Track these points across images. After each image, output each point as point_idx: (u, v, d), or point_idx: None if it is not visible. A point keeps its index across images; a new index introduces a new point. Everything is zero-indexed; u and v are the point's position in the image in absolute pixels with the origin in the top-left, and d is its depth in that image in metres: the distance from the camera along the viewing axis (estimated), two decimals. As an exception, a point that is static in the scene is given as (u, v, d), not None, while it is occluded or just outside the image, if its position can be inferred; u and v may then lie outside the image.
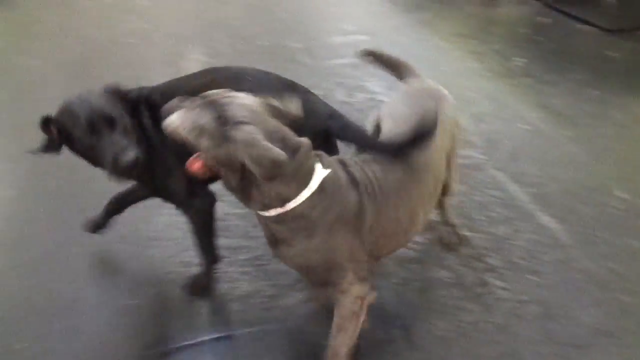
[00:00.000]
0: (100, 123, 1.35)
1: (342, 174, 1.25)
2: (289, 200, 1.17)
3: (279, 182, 1.13)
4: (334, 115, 1.52)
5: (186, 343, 1.51)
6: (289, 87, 1.56)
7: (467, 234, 1.86)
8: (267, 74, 1.60)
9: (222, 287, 1.68)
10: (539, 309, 1.59)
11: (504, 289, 1.66)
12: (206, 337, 1.52)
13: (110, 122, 1.37)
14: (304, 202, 1.17)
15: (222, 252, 1.66)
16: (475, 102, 2.74)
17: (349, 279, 1.28)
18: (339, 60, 3.24)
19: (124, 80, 2.61)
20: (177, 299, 1.64)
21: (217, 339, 1.52)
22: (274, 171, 1.07)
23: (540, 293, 1.64)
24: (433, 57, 3.29)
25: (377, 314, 1.51)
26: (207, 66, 1.86)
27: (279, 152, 1.06)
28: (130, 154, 1.34)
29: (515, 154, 2.32)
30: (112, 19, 4.01)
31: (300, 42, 3.52)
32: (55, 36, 3.72)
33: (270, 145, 1.07)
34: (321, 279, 1.32)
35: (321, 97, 2.50)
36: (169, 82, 1.64)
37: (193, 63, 3.23)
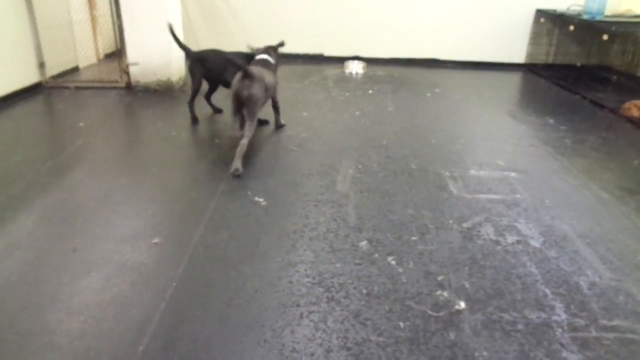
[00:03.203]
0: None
1: None
2: None
3: None
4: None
5: None
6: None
7: None
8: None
9: None
10: None
11: None
12: None
13: None
14: None
15: None
16: (645, 267, 2.45)
17: None
18: (489, 195, 3.16)
19: (285, 185, 2.89)
20: None
21: None
22: None
23: None
24: (594, 208, 3.05)
25: None
26: (356, 181, 3.07)
27: None
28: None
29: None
30: (283, 129, 4.44)
31: (449, 171, 3.53)
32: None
33: None
34: None
35: (468, 231, 2.70)
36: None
37: (343, 177, 3.40)
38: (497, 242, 2.63)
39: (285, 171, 3.49)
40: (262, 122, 4.47)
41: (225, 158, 3.68)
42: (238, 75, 3.54)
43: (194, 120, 4.48)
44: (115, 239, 2.60)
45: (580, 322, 2.06)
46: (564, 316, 2.09)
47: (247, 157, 3.72)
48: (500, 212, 2.97)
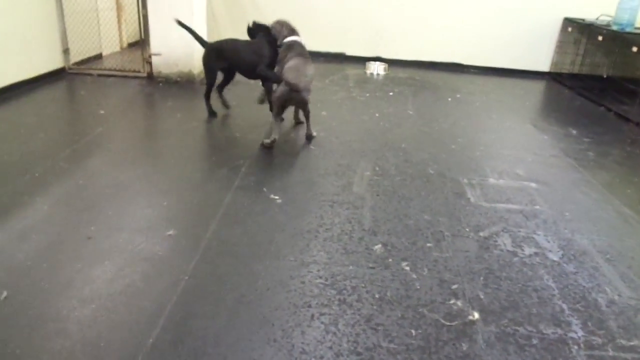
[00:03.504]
0: None
1: None
2: None
3: None
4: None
5: None
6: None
7: None
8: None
9: None
10: None
11: None
12: None
13: None
14: None
15: None
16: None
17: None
18: (508, 205, 3.10)
19: (302, 183, 2.81)
20: None
21: None
22: None
23: None
24: (616, 223, 2.98)
25: None
26: (373, 183, 3.12)
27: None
28: None
29: None
30: (301, 126, 4.44)
31: (467, 178, 3.48)
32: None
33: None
34: None
35: (485, 241, 2.92)
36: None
37: (360, 178, 3.37)
38: (514, 254, 2.58)
39: (302, 169, 3.47)
40: (281, 119, 4.42)
41: (242, 152, 3.68)
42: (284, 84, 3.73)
43: (211, 113, 4.47)
44: (130, 228, 2.61)
45: (598, 340, 2.01)
46: (580, 333, 2.04)
47: (264, 154, 3.71)
48: (519, 222, 2.91)
